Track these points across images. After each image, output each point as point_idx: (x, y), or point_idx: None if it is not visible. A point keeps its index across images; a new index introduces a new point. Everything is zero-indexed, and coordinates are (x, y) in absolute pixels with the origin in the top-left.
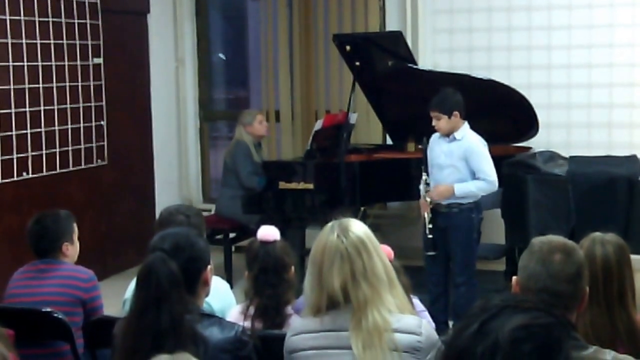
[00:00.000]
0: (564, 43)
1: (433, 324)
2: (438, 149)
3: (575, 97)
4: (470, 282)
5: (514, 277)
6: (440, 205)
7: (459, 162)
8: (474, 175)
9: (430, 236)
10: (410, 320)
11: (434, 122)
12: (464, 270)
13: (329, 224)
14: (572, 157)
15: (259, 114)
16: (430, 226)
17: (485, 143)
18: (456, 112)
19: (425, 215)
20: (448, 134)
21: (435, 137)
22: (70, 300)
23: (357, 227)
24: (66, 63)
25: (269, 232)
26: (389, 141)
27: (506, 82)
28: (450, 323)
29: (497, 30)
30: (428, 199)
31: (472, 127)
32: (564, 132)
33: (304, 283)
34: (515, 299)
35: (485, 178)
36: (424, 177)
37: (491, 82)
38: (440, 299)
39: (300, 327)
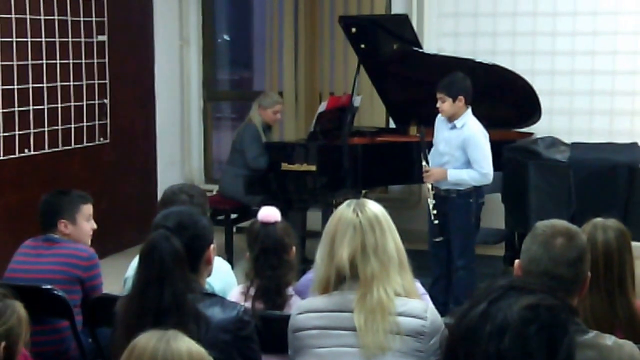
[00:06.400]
0: (569, 30)
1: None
2: (440, 134)
3: (578, 84)
4: (469, 267)
5: (517, 261)
6: (439, 189)
7: (457, 151)
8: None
9: (435, 222)
10: (416, 304)
11: (438, 104)
12: (463, 254)
13: (347, 201)
14: (573, 144)
15: (279, 104)
16: (435, 212)
17: (486, 134)
18: (461, 97)
19: (429, 201)
20: (450, 119)
21: (438, 119)
22: (68, 279)
23: (374, 205)
24: (70, 40)
25: (269, 213)
26: (392, 124)
27: (510, 68)
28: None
29: (502, 15)
30: (429, 185)
31: (475, 111)
32: (566, 118)
33: (315, 256)
34: (520, 281)
35: (479, 170)
36: (424, 165)
37: (495, 67)
38: (441, 281)
39: (306, 306)
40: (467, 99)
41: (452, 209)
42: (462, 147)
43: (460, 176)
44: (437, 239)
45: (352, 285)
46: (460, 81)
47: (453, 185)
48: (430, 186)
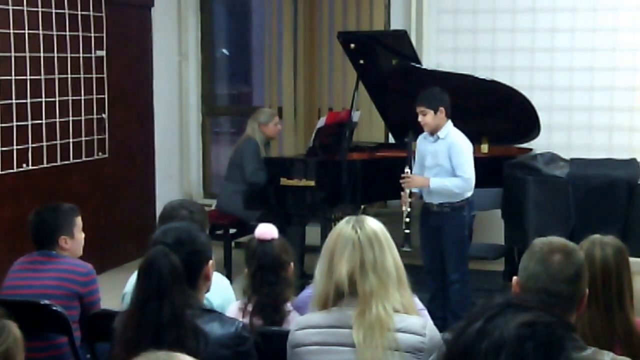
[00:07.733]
0: (567, 45)
1: (431, 320)
2: (424, 150)
3: (576, 99)
4: (463, 280)
5: (515, 277)
6: (431, 204)
7: (445, 160)
8: None
9: (407, 231)
10: (414, 320)
11: (419, 118)
12: (458, 267)
13: (346, 218)
14: (572, 160)
15: (276, 115)
16: (407, 220)
17: (469, 144)
18: (442, 109)
19: (403, 209)
20: (433, 132)
21: (421, 137)
22: (66, 294)
23: (373, 222)
24: (69, 55)
25: (266, 231)
26: (391, 140)
27: (509, 84)
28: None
29: (501, 31)
30: (407, 190)
31: (474, 127)
32: (565, 134)
33: (314, 272)
34: (517, 298)
35: (462, 175)
36: (406, 171)
37: (494, 83)
38: (438, 295)
39: (305, 321)
40: (447, 111)
41: (446, 223)
42: (448, 156)
43: (442, 183)
44: (405, 249)
45: (350, 302)
46: (439, 94)
47: (446, 199)
48: (408, 192)
